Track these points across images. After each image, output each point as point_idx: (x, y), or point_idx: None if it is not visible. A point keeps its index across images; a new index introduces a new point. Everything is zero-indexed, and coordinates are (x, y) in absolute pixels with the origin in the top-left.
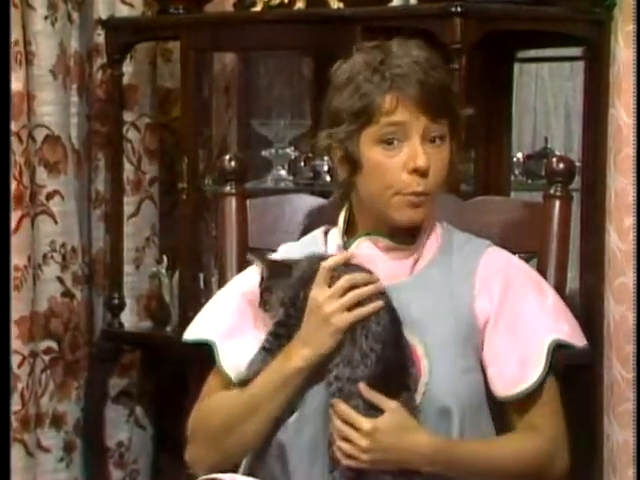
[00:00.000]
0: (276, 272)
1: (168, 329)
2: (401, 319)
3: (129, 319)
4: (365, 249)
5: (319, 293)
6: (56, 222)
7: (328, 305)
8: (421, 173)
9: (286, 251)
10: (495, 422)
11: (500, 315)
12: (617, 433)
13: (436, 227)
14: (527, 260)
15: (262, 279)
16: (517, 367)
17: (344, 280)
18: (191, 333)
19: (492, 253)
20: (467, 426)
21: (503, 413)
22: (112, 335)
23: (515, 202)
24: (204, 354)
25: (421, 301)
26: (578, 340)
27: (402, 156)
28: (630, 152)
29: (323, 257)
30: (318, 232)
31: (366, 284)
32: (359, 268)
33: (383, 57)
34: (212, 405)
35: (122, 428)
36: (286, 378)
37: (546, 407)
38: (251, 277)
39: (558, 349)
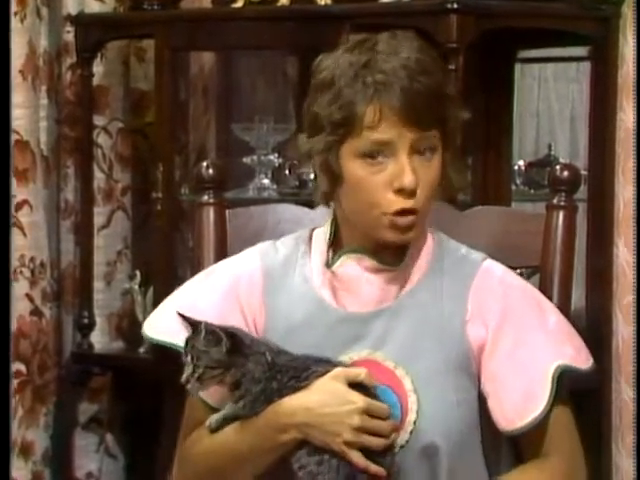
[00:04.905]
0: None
1: (141, 350)
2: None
3: (99, 339)
4: (349, 268)
5: (345, 393)
6: (25, 235)
7: (351, 416)
8: (408, 194)
9: (265, 252)
10: (506, 448)
11: (497, 342)
12: (627, 463)
13: (427, 242)
14: (529, 276)
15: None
16: (519, 400)
17: (384, 407)
18: (158, 332)
19: (487, 271)
20: (457, 464)
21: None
22: (81, 357)
23: (516, 213)
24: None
25: (407, 328)
26: (583, 362)
27: (387, 173)
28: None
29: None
30: (303, 237)
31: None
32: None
33: (368, 58)
34: (198, 452)
35: (92, 458)
36: (277, 448)
37: (559, 433)
38: (237, 264)
39: (564, 373)
